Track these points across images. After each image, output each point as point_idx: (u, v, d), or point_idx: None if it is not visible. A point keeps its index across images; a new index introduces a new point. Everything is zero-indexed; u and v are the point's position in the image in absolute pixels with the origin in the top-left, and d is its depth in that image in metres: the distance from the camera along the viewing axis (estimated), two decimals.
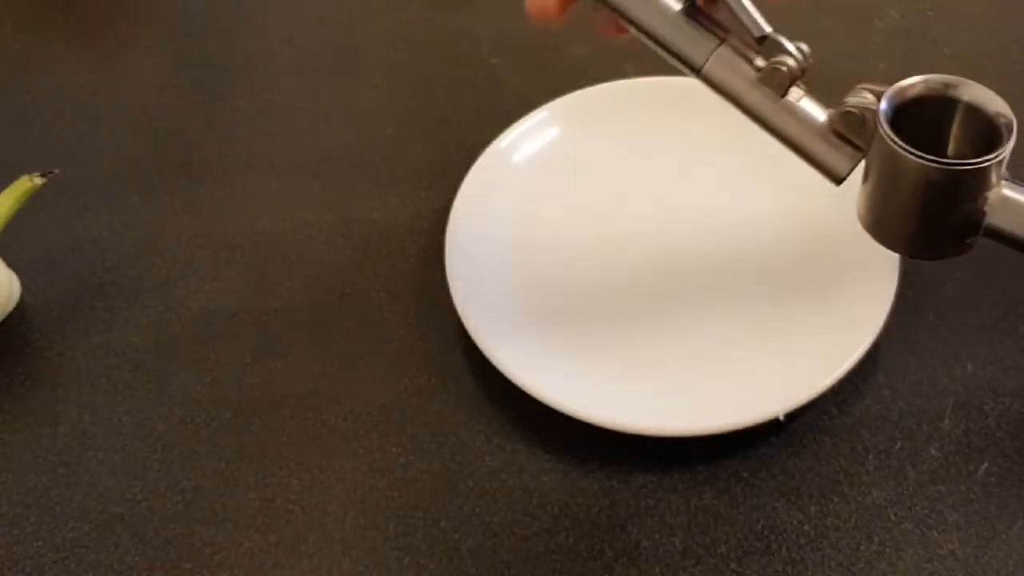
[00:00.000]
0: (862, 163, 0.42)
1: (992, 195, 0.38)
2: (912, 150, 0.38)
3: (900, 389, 0.54)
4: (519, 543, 0.51)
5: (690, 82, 0.62)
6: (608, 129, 0.63)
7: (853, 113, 0.41)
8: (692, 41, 0.43)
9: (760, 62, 0.43)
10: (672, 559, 0.50)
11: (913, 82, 0.39)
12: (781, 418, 0.51)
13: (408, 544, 0.51)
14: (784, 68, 0.42)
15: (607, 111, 0.64)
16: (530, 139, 0.63)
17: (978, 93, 0.39)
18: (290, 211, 0.63)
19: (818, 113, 0.43)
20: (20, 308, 0.59)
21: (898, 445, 0.52)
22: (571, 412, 0.52)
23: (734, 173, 0.61)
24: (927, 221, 0.40)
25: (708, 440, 0.52)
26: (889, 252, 0.55)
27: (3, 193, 0.57)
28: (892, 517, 0.50)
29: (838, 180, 0.43)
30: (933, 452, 0.52)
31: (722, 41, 0.43)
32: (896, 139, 0.38)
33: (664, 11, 0.43)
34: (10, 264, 0.59)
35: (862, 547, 0.50)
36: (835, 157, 0.42)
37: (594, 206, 0.61)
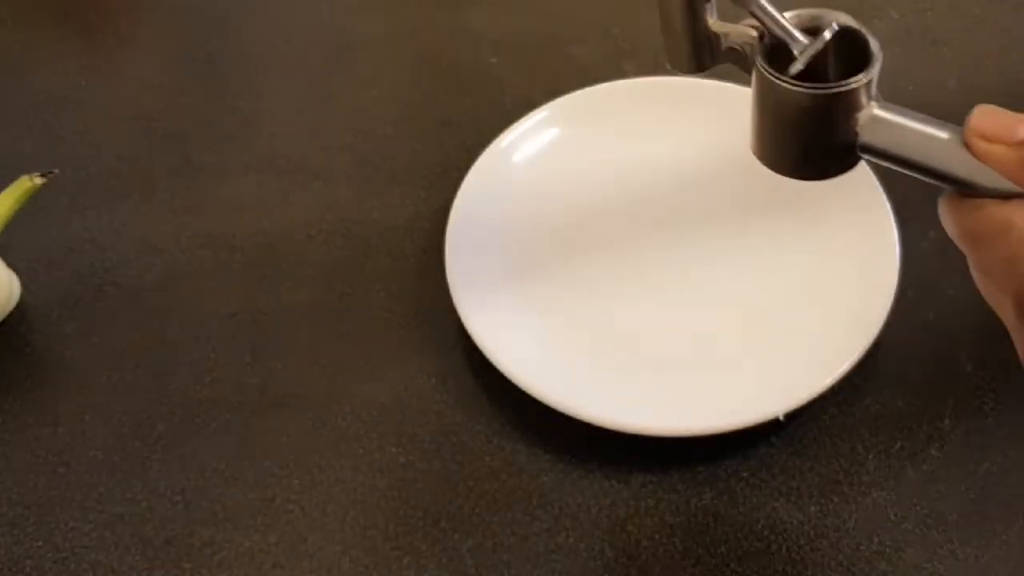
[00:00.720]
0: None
1: (863, 115, 0.40)
2: (782, 77, 0.40)
3: (900, 389, 0.54)
4: (519, 543, 0.51)
5: (690, 82, 0.63)
6: (608, 129, 0.63)
7: (736, 50, 0.43)
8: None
9: None
10: (672, 559, 0.50)
11: (786, 16, 0.42)
12: (781, 418, 0.51)
13: (408, 544, 0.51)
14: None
15: (607, 111, 0.64)
16: (530, 139, 0.63)
17: (846, 21, 0.41)
18: (290, 211, 0.63)
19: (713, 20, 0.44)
20: (20, 308, 0.59)
21: (898, 445, 0.52)
22: (571, 412, 0.52)
23: (734, 173, 0.61)
24: (805, 143, 0.43)
25: (708, 440, 0.52)
26: (889, 252, 0.55)
27: (3, 193, 0.57)
28: (892, 517, 0.50)
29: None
30: (933, 452, 0.52)
31: None
32: (768, 68, 0.40)
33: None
34: (10, 264, 0.59)
35: (862, 547, 0.50)
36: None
37: (594, 206, 0.61)
